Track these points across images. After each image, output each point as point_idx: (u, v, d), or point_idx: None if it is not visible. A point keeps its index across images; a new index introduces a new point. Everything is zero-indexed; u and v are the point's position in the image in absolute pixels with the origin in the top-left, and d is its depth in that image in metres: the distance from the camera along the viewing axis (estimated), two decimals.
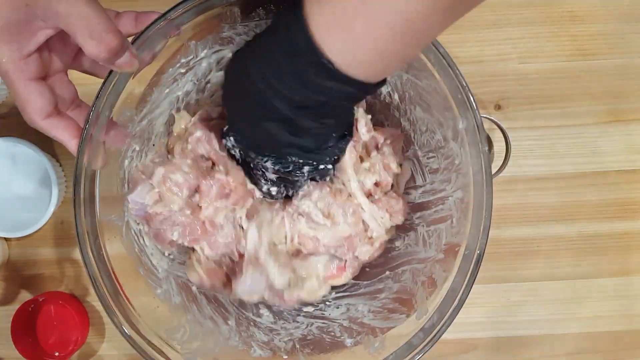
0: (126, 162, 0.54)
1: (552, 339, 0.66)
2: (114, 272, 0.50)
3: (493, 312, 0.66)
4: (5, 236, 0.64)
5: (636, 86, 0.67)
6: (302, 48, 0.36)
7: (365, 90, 0.39)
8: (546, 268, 0.66)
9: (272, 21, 0.42)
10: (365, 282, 0.59)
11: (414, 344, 0.48)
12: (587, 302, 0.66)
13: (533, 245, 0.66)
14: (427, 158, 0.57)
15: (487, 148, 0.48)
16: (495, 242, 0.65)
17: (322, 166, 0.47)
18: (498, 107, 0.66)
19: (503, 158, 0.61)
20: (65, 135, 0.46)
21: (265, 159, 0.46)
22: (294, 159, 0.45)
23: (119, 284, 0.50)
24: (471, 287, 0.48)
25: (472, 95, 0.47)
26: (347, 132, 0.47)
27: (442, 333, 0.48)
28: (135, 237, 0.55)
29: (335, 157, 0.49)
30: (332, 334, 0.56)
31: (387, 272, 0.58)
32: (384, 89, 0.58)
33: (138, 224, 0.55)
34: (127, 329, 0.49)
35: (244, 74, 0.41)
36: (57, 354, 0.64)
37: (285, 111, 0.40)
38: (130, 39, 0.47)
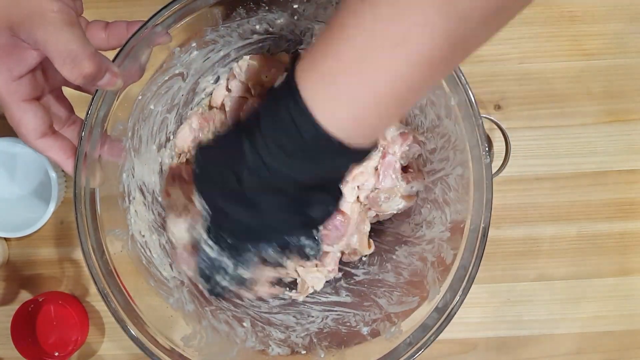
0: (124, 175, 0.54)
1: (552, 339, 0.66)
2: (124, 286, 0.50)
3: (493, 312, 0.66)
4: (5, 236, 0.64)
5: (636, 86, 0.67)
6: (298, 118, 0.34)
7: (355, 157, 0.36)
8: (546, 268, 0.66)
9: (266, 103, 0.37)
10: (376, 268, 0.60)
11: (429, 324, 0.49)
12: (587, 302, 0.66)
13: (533, 245, 0.66)
14: (424, 139, 0.57)
15: (481, 121, 0.48)
16: (494, 242, 0.65)
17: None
18: (498, 107, 0.66)
19: (503, 158, 0.61)
20: (60, 155, 0.46)
21: (266, 247, 0.42)
22: (298, 239, 0.42)
23: (130, 297, 0.50)
24: (480, 263, 0.48)
25: (460, 72, 0.47)
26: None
27: (456, 312, 0.48)
28: (142, 250, 0.55)
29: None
30: (348, 324, 0.56)
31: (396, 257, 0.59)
32: None
33: (143, 235, 0.56)
34: (143, 340, 0.49)
35: (231, 161, 0.37)
36: (57, 354, 0.64)
37: (292, 191, 0.37)
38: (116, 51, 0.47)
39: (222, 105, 0.61)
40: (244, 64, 0.58)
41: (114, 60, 0.47)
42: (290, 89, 0.34)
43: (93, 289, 0.66)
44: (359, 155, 0.36)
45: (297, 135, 0.34)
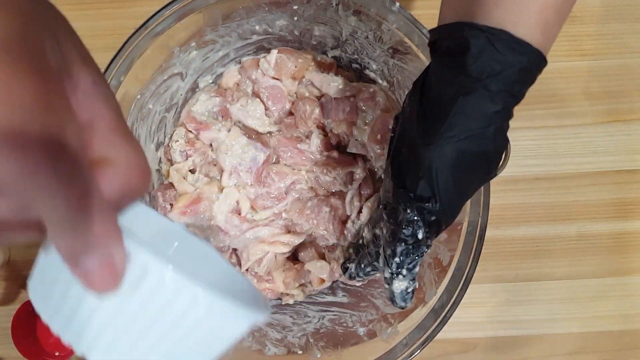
0: None
1: (552, 339, 0.66)
2: None
3: (492, 311, 0.66)
4: None
5: (636, 86, 0.67)
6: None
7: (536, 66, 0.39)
8: (545, 268, 0.66)
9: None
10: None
11: (426, 325, 0.49)
12: (587, 302, 0.66)
13: (532, 245, 0.66)
14: None
15: None
16: (494, 242, 0.65)
17: None
18: None
19: (503, 158, 0.61)
20: None
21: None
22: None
23: None
24: (477, 264, 0.49)
25: None
26: None
27: (452, 313, 0.49)
28: None
29: None
30: (345, 324, 0.57)
31: None
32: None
33: None
34: None
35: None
36: (57, 353, 0.64)
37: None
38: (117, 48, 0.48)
39: (236, 85, 0.61)
40: (272, 58, 0.58)
41: (110, 63, 0.47)
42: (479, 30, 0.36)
43: None
44: (539, 64, 0.38)
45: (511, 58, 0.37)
